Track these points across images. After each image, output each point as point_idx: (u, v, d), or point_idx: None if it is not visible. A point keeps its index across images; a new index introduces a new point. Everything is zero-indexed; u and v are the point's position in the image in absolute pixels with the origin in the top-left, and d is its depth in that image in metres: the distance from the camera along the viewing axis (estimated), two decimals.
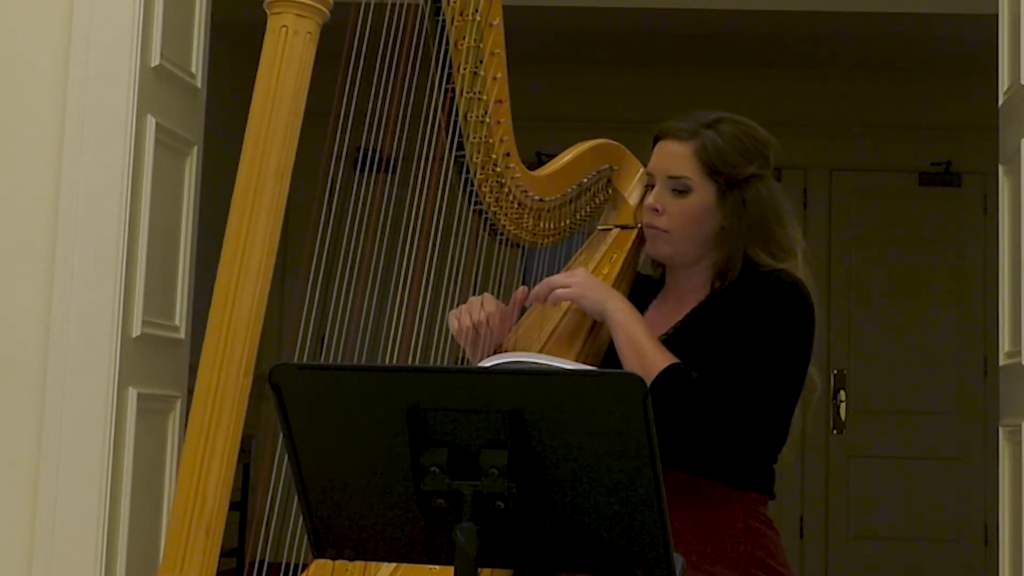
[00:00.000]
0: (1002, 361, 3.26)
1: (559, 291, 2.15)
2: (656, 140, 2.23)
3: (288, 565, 2.08)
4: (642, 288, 2.32)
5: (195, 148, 3.33)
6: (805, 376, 2.11)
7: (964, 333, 6.93)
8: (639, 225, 2.35)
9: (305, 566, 2.02)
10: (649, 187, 2.22)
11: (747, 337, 2.05)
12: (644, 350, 2.04)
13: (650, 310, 2.27)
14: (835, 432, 6.47)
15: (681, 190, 2.16)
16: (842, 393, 6.23)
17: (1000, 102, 3.29)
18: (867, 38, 6.29)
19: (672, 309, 2.22)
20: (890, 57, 6.60)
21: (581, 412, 1.40)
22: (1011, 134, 3.21)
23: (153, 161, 3.10)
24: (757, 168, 2.17)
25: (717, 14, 5.84)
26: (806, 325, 2.10)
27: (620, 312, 2.10)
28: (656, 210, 2.18)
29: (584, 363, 2.17)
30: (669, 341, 2.13)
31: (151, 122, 3.10)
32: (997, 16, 3.30)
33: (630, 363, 2.04)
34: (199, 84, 3.36)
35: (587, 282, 2.15)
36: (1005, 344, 3.22)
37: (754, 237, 2.15)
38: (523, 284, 2.29)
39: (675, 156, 2.17)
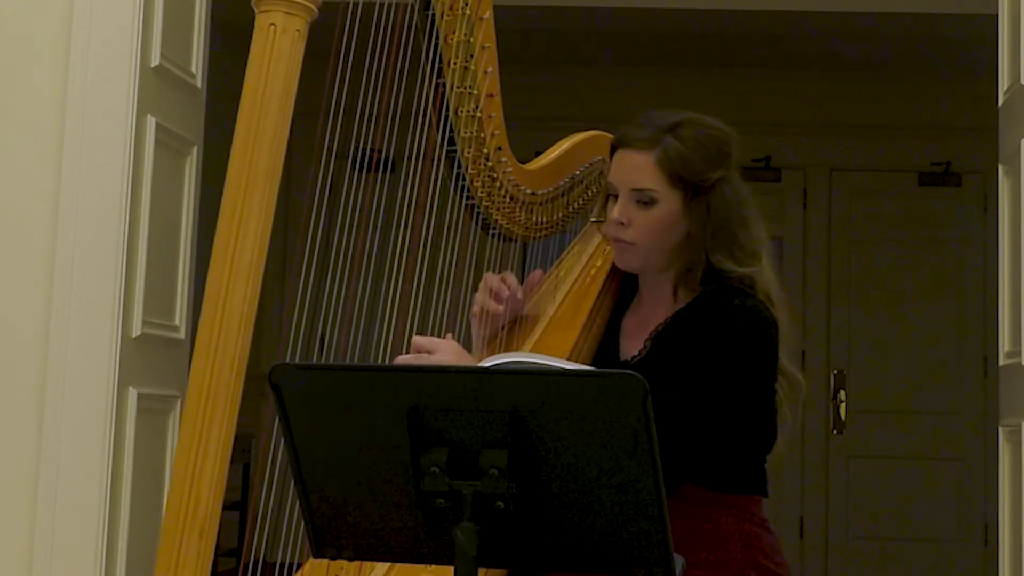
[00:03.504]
0: (1002, 361, 3.26)
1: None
2: (614, 148, 2.18)
3: (284, 564, 2.08)
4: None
5: (195, 148, 3.32)
6: (772, 383, 2.10)
7: (964, 333, 6.93)
8: None
9: (300, 565, 2.02)
10: (611, 197, 2.17)
11: (708, 360, 2.03)
12: None
13: (626, 316, 2.26)
14: (835, 432, 6.48)
15: (646, 201, 2.11)
16: (842, 393, 6.23)
17: (1000, 102, 3.29)
18: (867, 38, 6.29)
19: (645, 316, 2.21)
20: (890, 57, 6.59)
21: (581, 412, 1.40)
22: (1011, 134, 3.20)
23: (153, 161, 3.09)
24: (723, 171, 2.12)
25: (717, 14, 5.84)
26: (765, 346, 2.07)
27: None
28: (622, 223, 2.13)
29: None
30: (639, 365, 2.13)
31: (151, 122, 3.10)
32: (997, 16, 3.30)
33: None
34: (199, 84, 3.36)
35: (459, 355, 2.08)
36: (1005, 344, 3.22)
37: (718, 243, 2.11)
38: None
39: (637, 167, 2.12)
